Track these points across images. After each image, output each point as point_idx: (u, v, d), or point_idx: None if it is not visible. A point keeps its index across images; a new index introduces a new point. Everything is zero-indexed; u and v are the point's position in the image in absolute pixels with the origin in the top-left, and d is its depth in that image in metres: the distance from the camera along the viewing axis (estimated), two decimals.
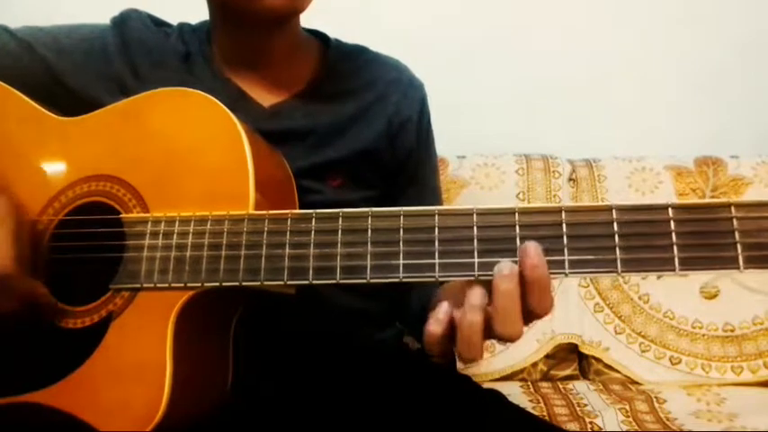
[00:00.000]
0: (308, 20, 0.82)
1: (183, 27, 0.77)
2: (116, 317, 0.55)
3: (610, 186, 1.26)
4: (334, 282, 0.47)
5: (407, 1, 1.42)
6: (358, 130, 0.74)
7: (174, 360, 0.52)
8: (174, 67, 0.72)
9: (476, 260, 0.44)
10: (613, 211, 0.41)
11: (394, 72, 0.80)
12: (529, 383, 1.15)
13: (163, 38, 0.74)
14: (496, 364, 1.16)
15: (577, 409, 1.02)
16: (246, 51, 0.71)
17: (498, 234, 0.43)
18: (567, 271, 0.41)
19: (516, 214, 0.43)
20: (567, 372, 1.18)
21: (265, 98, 0.72)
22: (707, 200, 0.39)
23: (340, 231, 0.48)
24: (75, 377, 0.54)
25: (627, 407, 1.02)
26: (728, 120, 1.44)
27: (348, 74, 0.77)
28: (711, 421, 0.97)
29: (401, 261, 0.45)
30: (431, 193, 0.83)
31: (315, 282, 0.48)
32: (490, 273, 0.43)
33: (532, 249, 0.42)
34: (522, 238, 0.43)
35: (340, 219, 0.48)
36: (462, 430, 0.61)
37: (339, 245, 0.47)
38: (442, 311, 0.46)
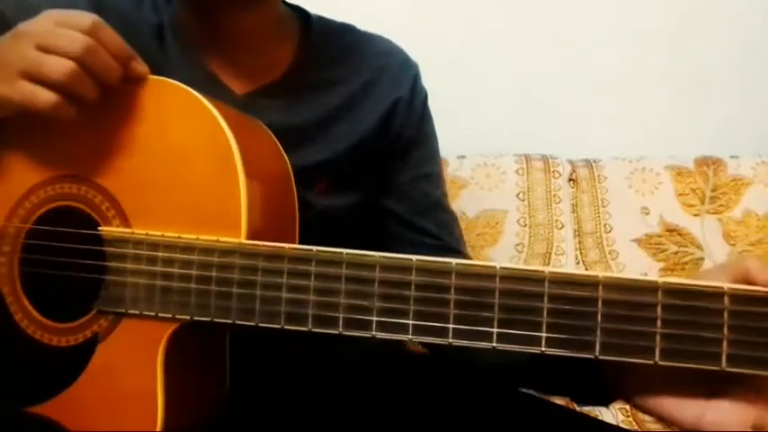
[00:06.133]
0: None
1: None
2: (102, 339, 0.51)
3: (610, 186, 1.25)
4: (336, 332, 0.43)
5: (407, 0, 1.41)
6: (344, 127, 0.66)
7: (166, 391, 0.49)
8: (146, 41, 0.63)
9: (495, 330, 0.39)
10: (658, 291, 0.36)
11: (384, 57, 0.71)
12: None
13: (136, 6, 0.66)
14: None
15: (577, 409, 1.01)
16: (214, 30, 0.63)
17: (522, 304, 0.38)
18: (596, 353, 0.36)
19: (546, 282, 0.38)
20: None
21: (238, 84, 0.64)
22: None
23: (344, 279, 0.42)
24: (68, 395, 0.52)
25: (627, 407, 1.01)
26: (728, 120, 1.44)
27: (333, 58, 0.68)
28: None
29: (410, 321, 0.41)
30: (426, 180, 0.73)
31: (315, 330, 0.44)
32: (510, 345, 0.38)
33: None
34: (549, 312, 0.38)
35: (344, 265, 0.43)
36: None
37: (342, 294, 0.42)
38: None
